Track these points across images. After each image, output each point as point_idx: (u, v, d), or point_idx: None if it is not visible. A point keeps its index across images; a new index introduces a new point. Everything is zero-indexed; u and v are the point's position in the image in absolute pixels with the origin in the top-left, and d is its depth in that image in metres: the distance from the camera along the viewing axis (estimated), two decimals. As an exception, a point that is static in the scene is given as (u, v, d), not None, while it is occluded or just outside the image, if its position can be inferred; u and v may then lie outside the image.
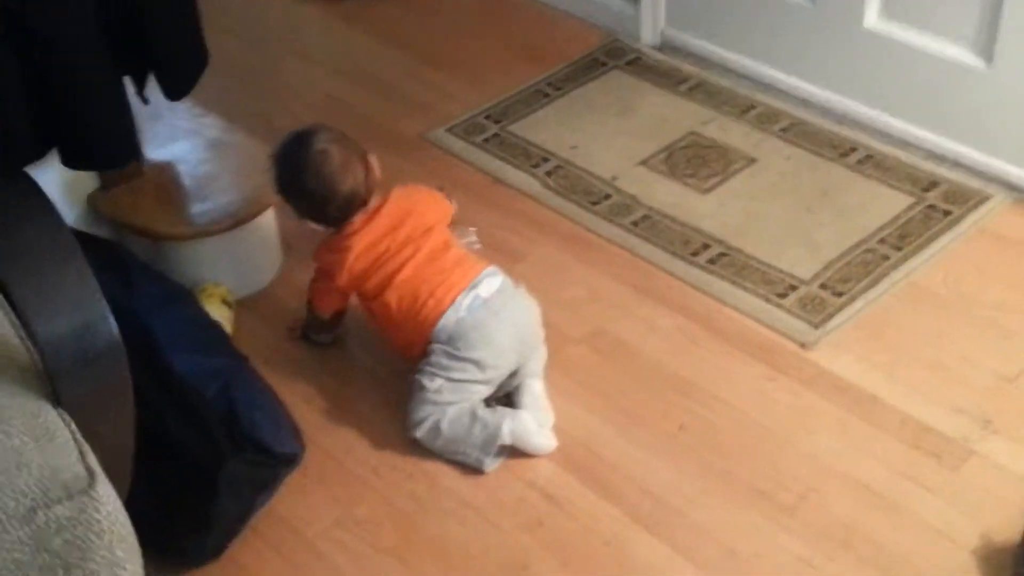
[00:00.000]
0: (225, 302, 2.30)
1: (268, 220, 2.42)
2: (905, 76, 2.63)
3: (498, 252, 2.48)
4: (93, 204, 2.32)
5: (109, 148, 2.15)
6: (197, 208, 2.32)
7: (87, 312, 1.45)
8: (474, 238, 2.45)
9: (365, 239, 2.09)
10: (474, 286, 2.06)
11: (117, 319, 1.96)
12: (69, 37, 1.97)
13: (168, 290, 2.09)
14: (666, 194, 2.61)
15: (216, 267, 2.34)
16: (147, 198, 2.32)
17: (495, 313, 2.05)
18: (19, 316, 1.46)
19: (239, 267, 2.38)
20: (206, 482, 1.86)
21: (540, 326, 2.15)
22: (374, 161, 2.14)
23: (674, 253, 2.45)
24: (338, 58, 3.20)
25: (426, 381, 2.02)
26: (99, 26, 2.01)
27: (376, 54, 3.20)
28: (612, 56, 3.10)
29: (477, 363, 2.02)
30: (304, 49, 3.24)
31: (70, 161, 2.14)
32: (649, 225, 2.53)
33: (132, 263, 2.12)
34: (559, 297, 2.37)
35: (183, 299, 2.10)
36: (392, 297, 2.06)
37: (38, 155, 2.12)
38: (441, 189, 2.28)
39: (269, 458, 1.89)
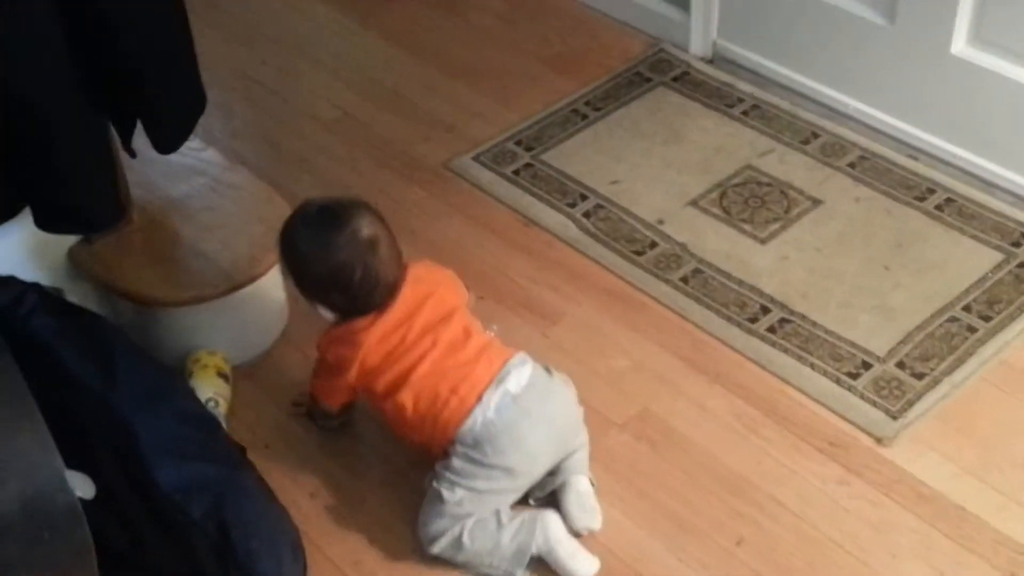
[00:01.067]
0: (221, 374, 2.03)
1: (272, 276, 2.14)
2: (995, 110, 2.32)
3: (531, 311, 2.21)
4: (74, 259, 2.05)
5: (89, 209, 1.89)
6: (193, 266, 2.04)
7: (40, 481, 1.19)
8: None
9: (379, 330, 1.80)
10: (501, 380, 1.78)
11: (95, 418, 1.73)
12: (34, 80, 1.69)
13: (155, 379, 1.81)
14: (719, 242, 2.32)
15: (212, 333, 2.07)
16: (135, 254, 2.05)
17: (527, 413, 1.77)
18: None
19: (238, 332, 2.11)
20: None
21: (579, 418, 1.88)
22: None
23: (729, 319, 2.16)
24: (354, 68, 2.89)
25: (445, 492, 1.75)
26: (73, 67, 1.73)
27: (395, 63, 2.90)
28: (657, 70, 2.79)
29: (508, 471, 1.76)
30: (317, 55, 2.94)
31: (45, 223, 1.87)
32: (700, 282, 2.24)
33: (116, 344, 1.84)
34: (599, 368, 2.10)
35: (172, 389, 1.82)
36: (408, 397, 1.78)
37: (8, 214, 1.85)
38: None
39: (269, 597, 1.64)
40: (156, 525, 1.64)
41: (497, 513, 1.76)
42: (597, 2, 3.01)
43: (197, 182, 2.20)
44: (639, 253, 2.31)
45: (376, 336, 1.79)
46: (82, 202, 1.85)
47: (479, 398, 1.76)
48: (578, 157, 2.55)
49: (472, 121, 2.69)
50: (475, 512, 1.75)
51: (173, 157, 2.15)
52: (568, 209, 2.42)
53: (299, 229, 1.80)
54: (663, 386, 2.07)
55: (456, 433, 1.76)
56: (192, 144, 2.25)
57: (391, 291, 1.79)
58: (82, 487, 1.68)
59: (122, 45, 1.76)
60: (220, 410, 1.98)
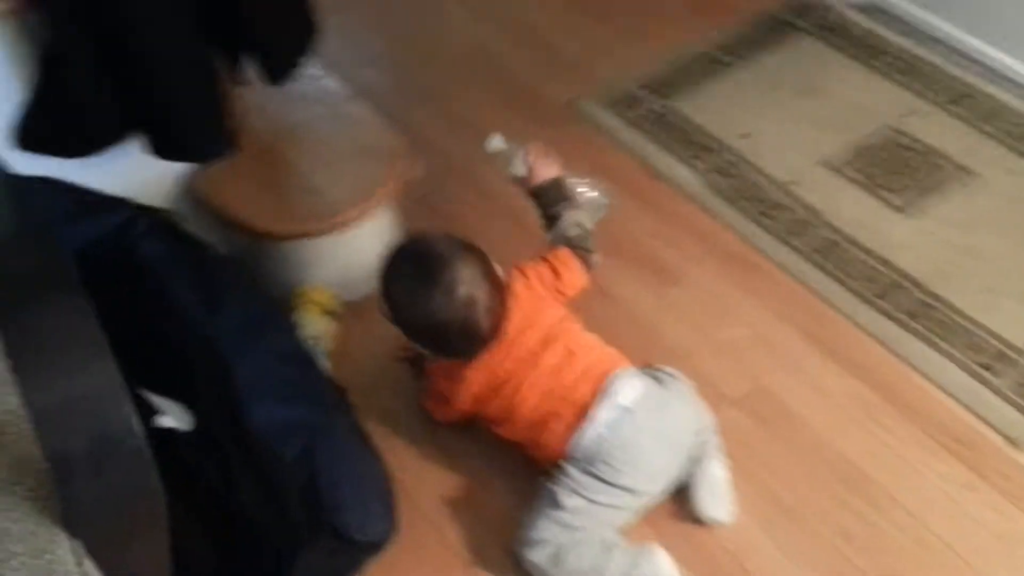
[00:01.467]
0: (327, 311, 1.99)
1: (384, 213, 2.08)
2: None
3: (649, 269, 2.11)
4: (190, 185, 2.01)
5: (195, 140, 1.84)
6: (302, 199, 1.99)
7: (109, 423, 1.14)
8: (594, 193, 1.96)
9: (483, 364, 1.72)
10: (609, 393, 1.67)
11: (197, 351, 1.71)
12: (143, 9, 1.64)
13: (258, 314, 1.78)
14: (854, 209, 2.18)
15: (320, 269, 2.03)
16: (247, 183, 2.00)
17: (643, 429, 1.66)
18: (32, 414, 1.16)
19: (348, 269, 2.05)
20: (277, 562, 1.58)
21: (699, 414, 1.77)
22: (502, 273, 1.74)
23: (856, 293, 2.04)
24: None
25: (563, 497, 1.65)
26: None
27: (538, -1, 2.78)
28: (803, 15, 2.63)
29: (629, 490, 1.66)
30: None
31: (155, 151, 1.83)
32: (829, 250, 2.11)
33: (224, 275, 1.81)
34: (716, 337, 2.00)
35: (274, 326, 1.78)
36: (514, 425, 1.73)
37: (117, 138, 1.82)
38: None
39: (351, 547, 1.60)
40: (248, 464, 1.61)
41: (602, 540, 1.65)
42: (745, -63, 2.84)
43: (314, 111, 2.14)
44: (766, 215, 2.19)
45: (480, 370, 1.72)
46: (188, 133, 1.81)
47: (584, 416, 1.66)
48: (709, 106, 2.42)
49: (602, 60, 2.58)
50: (587, 527, 1.65)
51: (290, 84, 2.09)
52: (694, 162, 2.30)
53: (394, 280, 1.72)
54: (780, 360, 1.97)
55: (566, 450, 1.67)
56: (313, 71, 2.19)
57: (490, 337, 1.70)
58: (180, 418, 1.67)
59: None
60: (322, 348, 1.94)
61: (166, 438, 1.65)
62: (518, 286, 1.75)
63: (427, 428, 1.89)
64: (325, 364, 1.91)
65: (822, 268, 2.08)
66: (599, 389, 1.67)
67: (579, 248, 1.83)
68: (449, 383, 1.76)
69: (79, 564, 1.17)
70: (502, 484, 1.80)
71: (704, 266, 2.12)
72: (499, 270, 1.73)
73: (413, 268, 1.69)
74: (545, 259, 1.81)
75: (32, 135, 1.77)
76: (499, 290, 1.69)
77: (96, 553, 1.19)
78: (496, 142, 1.93)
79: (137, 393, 1.68)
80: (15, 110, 1.77)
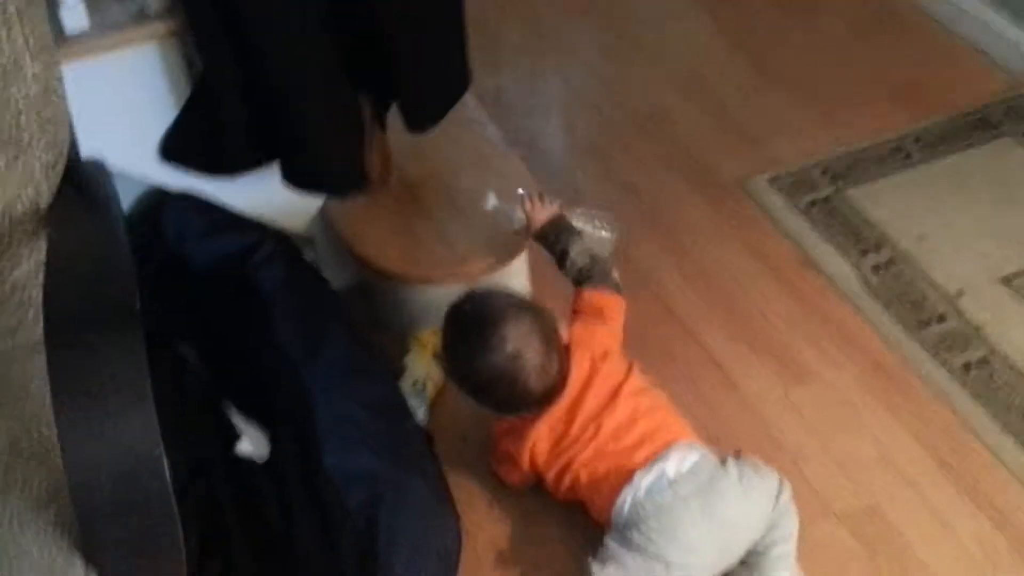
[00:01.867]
0: (438, 356, 1.97)
1: (520, 264, 2.05)
2: None
3: (781, 362, 2.00)
4: (325, 214, 2.04)
5: (330, 175, 1.87)
6: (432, 245, 1.97)
7: (138, 470, 1.15)
8: (600, 231, 1.92)
9: (545, 423, 1.70)
10: (660, 459, 1.62)
11: (286, 383, 1.72)
12: (286, 43, 1.67)
13: (356, 359, 1.78)
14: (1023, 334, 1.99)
15: (442, 313, 2.00)
16: (381, 219, 2.01)
17: (683, 499, 1.58)
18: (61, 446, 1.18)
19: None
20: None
21: (775, 520, 1.63)
22: (566, 334, 1.72)
23: (1007, 427, 1.85)
24: (679, 57, 2.72)
25: (595, 567, 1.60)
26: (332, 38, 1.70)
27: (723, 60, 2.70)
28: (1011, 116, 2.44)
29: (662, 561, 1.57)
30: (643, 36, 2.79)
31: (289, 179, 1.86)
32: (985, 375, 1.93)
33: (331, 314, 1.83)
34: (836, 447, 1.86)
35: (368, 373, 1.78)
36: (571, 484, 1.70)
37: (255, 163, 1.86)
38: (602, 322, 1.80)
39: (396, 604, 1.57)
40: (311, 506, 1.61)
41: None
42: (963, 26, 2.67)
43: (464, 158, 2.13)
44: (923, 325, 2.03)
45: (544, 429, 1.70)
46: (324, 168, 1.84)
47: (630, 478, 1.61)
48: (887, 200, 2.27)
49: (784, 138, 2.46)
50: None
51: (451, 127, 2.09)
52: (857, 257, 2.16)
53: (452, 332, 1.73)
54: (903, 484, 1.81)
55: (611, 515, 1.63)
56: (476, 115, 2.19)
57: (545, 400, 1.69)
58: (258, 445, 1.69)
59: (386, 17, 1.71)
60: (427, 393, 1.93)
61: (240, 462, 1.66)
62: (577, 347, 1.72)
63: (512, 494, 1.83)
64: (424, 409, 1.90)
65: (973, 392, 1.91)
66: (654, 452, 1.62)
67: (597, 276, 1.80)
68: (514, 441, 1.73)
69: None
70: (571, 550, 1.73)
71: (842, 369, 1.98)
72: (562, 333, 1.70)
73: (466, 325, 1.70)
74: (577, 312, 1.78)
75: (176, 149, 1.84)
76: (556, 350, 1.67)
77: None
78: (492, 200, 1.93)
79: (222, 411, 1.71)
80: (168, 125, 1.85)
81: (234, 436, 1.68)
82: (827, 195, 2.29)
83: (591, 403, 1.68)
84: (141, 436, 1.14)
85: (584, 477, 1.68)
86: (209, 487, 1.64)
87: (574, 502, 1.75)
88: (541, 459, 1.71)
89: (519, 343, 1.64)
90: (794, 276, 2.15)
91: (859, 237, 2.20)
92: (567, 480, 1.70)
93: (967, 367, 1.95)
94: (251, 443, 1.67)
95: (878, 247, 2.17)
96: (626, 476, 1.63)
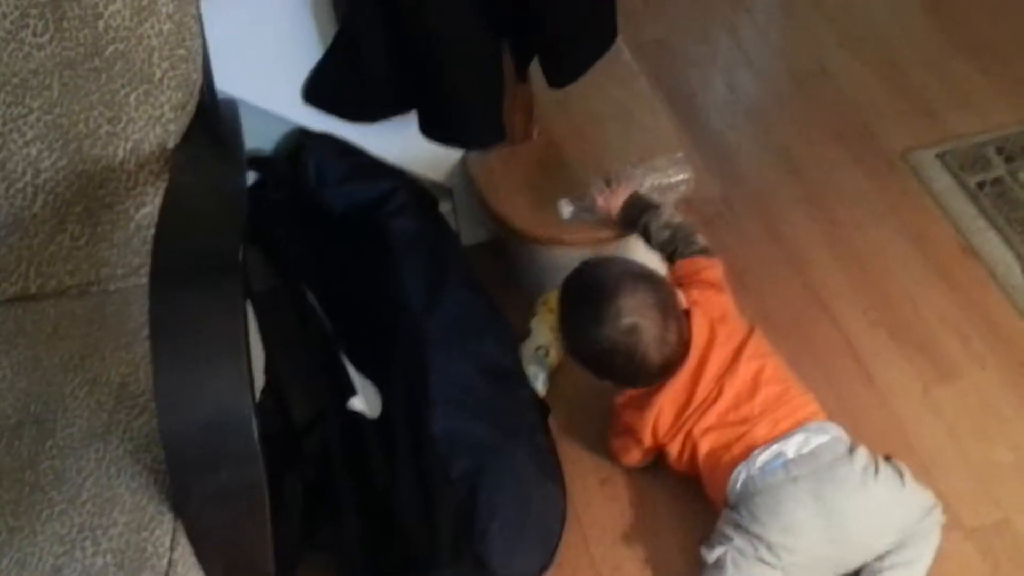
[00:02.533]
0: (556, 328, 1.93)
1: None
2: None
3: (925, 357, 1.89)
4: (465, 165, 2.02)
5: (468, 127, 1.84)
6: (577, 203, 1.92)
7: (227, 421, 1.16)
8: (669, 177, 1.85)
9: (671, 389, 1.64)
10: (782, 439, 1.55)
11: (403, 340, 1.71)
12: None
13: (475, 318, 1.76)
14: None
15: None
16: (519, 175, 1.97)
17: (794, 480, 1.52)
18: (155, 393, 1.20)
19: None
20: (413, 569, 1.57)
21: (901, 525, 1.55)
22: (684, 300, 1.65)
23: None
24: (857, 17, 2.57)
25: (704, 551, 1.56)
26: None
27: (907, 21, 2.54)
28: None
29: (767, 544, 1.51)
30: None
31: (426, 129, 1.84)
32: None
33: (455, 270, 1.81)
34: (975, 454, 1.76)
35: (486, 334, 1.75)
36: (692, 458, 1.64)
37: (394, 111, 1.85)
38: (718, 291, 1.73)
39: (488, 577, 1.56)
40: (414, 468, 1.60)
41: None
42: None
43: (612, 113, 2.06)
44: (1087, 329, 1.88)
45: (669, 396, 1.64)
46: (462, 119, 1.81)
47: (748, 454, 1.56)
48: (1065, 188, 2.11)
49: (960, 110, 2.31)
50: None
51: (601, 79, 2.02)
52: (1022, 248, 2.01)
53: (567, 304, 1.68)
54: (1043, 499, 1.69)
55: (725, 491, 1.57)
56: (629, 69, 2.12)
57: (664, 372, 1.63)
58: (371, 403, 1.69)
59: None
60: (549, 360, 1.89)
61: (353, 416, 1.67)
62: (696, 311, 1.66)
63: (624, 472, 1.80)
64: (544, 376, 1.87)
65: None
66: (780, 431, 1.56)
67: (681, 245, 1.75)
68: (637, 413, 1.68)
69: (172, 548, 1.20)
70: (678, 537, 1.69)
71: (989, 369, 1.86)
72: (681, 299, 1.64)
73: (581, 296, 1.65)
74: (680, 284, 1.70)
75: (318, 92, 1.84)
76: (675, 319, 1.61)
77: (194, 538, 1.23)
78: (566, 208, 1.86)
79: (340, 362, 1.72)
80: (312, 65, 1.85)
81: (350, 388, 1.68)
82: (999, 176, 2.14)
83: (713, 366, 1.62)
84: (231, 392, 1.15)
85: (704, 448, 1.62)
86: (323, 438, 1.66)
87: (692, 481, 1.69)
88: (663, 430, 1.66)
89: (635, 314, 1.59)
90: (951, 263, 2.02)
91: (1030, 224, 2.05)
92: (687, 451, 1.64)
93: None
94: (364, 400, 1.67)
95: (1049, 238, 2.02)
96: (744, 452, 1.57)
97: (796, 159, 2.24)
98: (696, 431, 1.62)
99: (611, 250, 1.89)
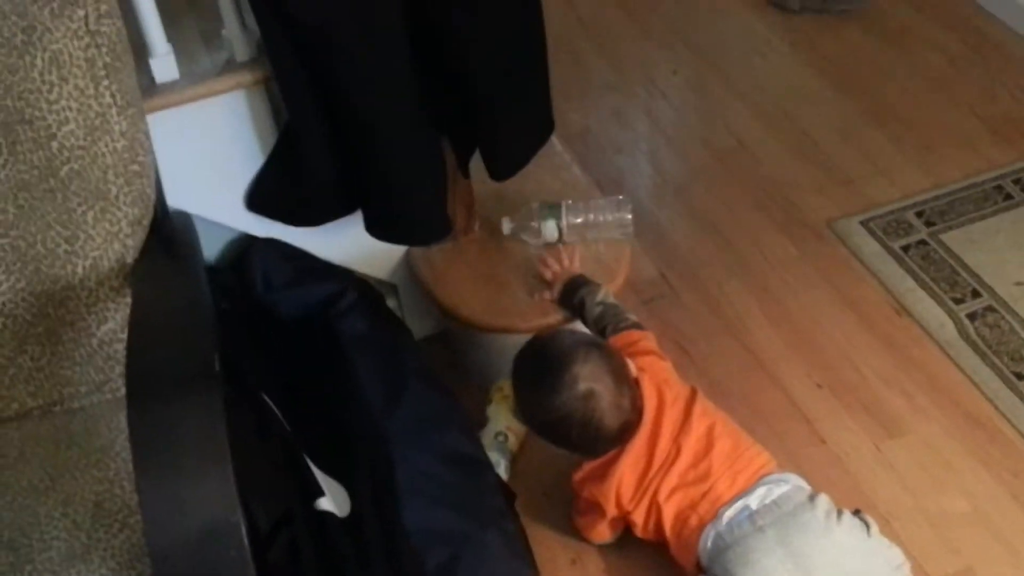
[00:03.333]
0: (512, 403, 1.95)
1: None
2: None
3: (873, 416, 1.95)
4: (410, 261, 2.04)
5: (413, 224, 1.87)
6: (515, 293, 1.95)
7: (216, 531, 1.15)
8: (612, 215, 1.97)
9: (629, 457, 1.67)
10: (745, 495, 1.59)
11: (366, 437, 1.72)
12: (371, 92, 1.68)
13: (436, 410, 1.77)
14: None
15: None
16: (464, 267, 2.00)
17: (760, 529, 1.56)
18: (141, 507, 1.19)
19: (550, 367, 2.02)
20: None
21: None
22: (634, 369, 1.69)
23: (1111, 487, 1.78)
24: (766, 93, 2.68)
25: None
26: (417, 86, 1.70)
27: (813, 96, 2.65)
28: (1119, 154, 2.35)
29: None
30: (732, 72, 2.75)
31: (372, 229, 1.87)
32: (1088, 431, 1.86)
33: (411, 365, 1.82)
34: (931, 505, 1.81)
35: (449, 425, 1.77)
36: (659, 522, 1.66)
37: (339, 213, 1.87)
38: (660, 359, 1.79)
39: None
40: (390, 564, 1.59)
41: None
42: (1069, 59, 2.59)
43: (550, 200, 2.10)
44: (1021, 377, 1.95)
45: (629, 462, 1.67)
46: (407, 217, 1.84)
47: (716, 515, 1.58)
48: (984, 244, 2.20)
49: (876, 178, 2.41)
50: None
51: (536, 171, 2.07)
52: (952, 305, 2.09)
53: (520, 377, 1.72)
54: (1000, 546, 1.74)
55: (696, 555, 1.60)
56: (560, 160, 2.17)
57: (621, 436, 1.66)
58: (339, 502, 1.68)
59: (470, 67, 1.71)
60: (508, 446, 1.91)
61: (322, 516, 1.66)
62: (643, 377, 1.70)
63: (595, 551, 1.81)
64: (505, 463, 1.88)
65: (1074, 449, 1.84)
66: (740, 489, 1.59)
67: (612, 322, 1.81)
68: (598, 485, 1.69)
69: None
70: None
71: (936, 422, 1.92)
72: (631, 367, 1.68)
73: (536, 367, 1.68)
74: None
75: (261, 199, 1.86)
76: (627, 385, 1.65)
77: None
78: (507, 225, 1.99)
79: (305, 465, 1.71)
80: (254, 173, 1.87)
81: (317, 490, 1.67)
82: (922, 239, 2.23)
83: (668, 428, 1.66)
84: (219, 501, 1.15)
85: (670, 511, 1.64)
86: (292, 539, 1.64)
87: (662, 553, 1.71)
88: (627, 497, 1.68)
89: (590, 381, 1.62)
90: (886, 324, 2.10)
91: (955, 283, 2.13)
92: (653, 517, 1.66)
93: (1069, 422, 1.87)
94: (332, 500, 1.67)
95: (975, 294, 2.11)
96: (710, 511, 1.60)
97: (726, 232, 2.31)
98: (661, 495, 1.64)
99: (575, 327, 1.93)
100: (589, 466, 1.72)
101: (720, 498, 1.60)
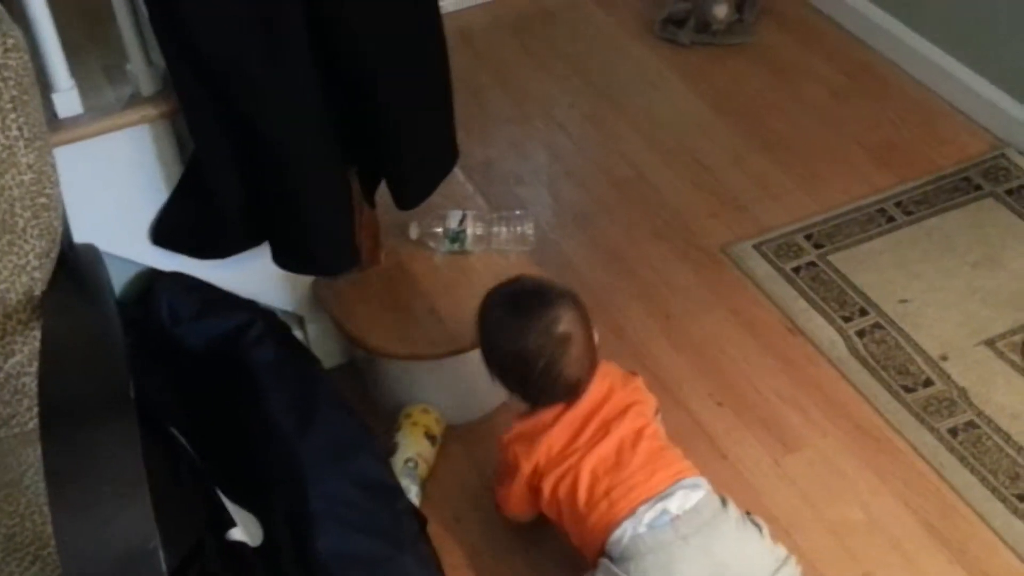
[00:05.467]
0: (429, 435, 1.98)
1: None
2: None
3: (769, 432, 2.01)
4: (316, 293, 2.06)
5: (321, 255, 1.88)
6: (421, 322, 1.99)
7: (134, 549, 1.16)
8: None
9: (562, 427, 1.71)
10: (663, 497, 1.63)
11: (278, 466, 1.73)
12: (277, 124, 1.70)
13: (348, 437, 1.79)
14: (1009, 396, 2.02)
15: (430, 391, 2.03)
16: (371, 297, 2.03)
17: (684, 538, 1.60)
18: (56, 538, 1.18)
19: (458, 393, 2.06)
20: None
21: (767, 570, 1.65)
22: (597, 338, 1.73)
23: (995, 491, 1.87)
24: (660, 125, 2.75)
25: None
26: (323, 118, 1.72)
27: (705, 127, 2.73)
28: (991, 177, 2.48)
29: None
30: (627, 105, 2.82)
31: (279, 259, 1.88)
32: (972, 439, 1.95)
33: (322, 393, 1.84)
34: (828, 515, 1.88)
35: (361, 451, 1.79)
36: (567, 491, 1.68)
37: (245, 245, 1.88)
38: (634, 375, 1.83)
39: None
40: (307, 591, 1.61)
41: None
42: (944, 88, 2.72)
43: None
44: (908, 390, 2.05)
45: (558, 431, 1.70)
46: (315, 247, 1.85)
47: (633, 510, 1.62)
48: (870, 265, 2.30)
49: (766, 203, 2.50)
50: None
51: (439, 201, 2.11)
52: (842, 323, 2.18)
53: (499, 303, 1.74)
54: (895, 554, 1.82)
55: (604, 542, 1.63)
56: (464, 191, 2.21)
57: (573, 390, 1.70)
58: (251, 532, 1.69)
59: (375, 98, 1.74)
60: (418, 472, 1.93)
61: (234, 546, 1.66)
62: (611, 364, 1.76)
63: (505, 566, 1.84)
64: (416, 488, 1.90)
65: (960, 457, 1.93)
66: (657, 488, 1.63)
67: None
68: (524, 446, 1.72)
69: None
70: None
71: (829, 436, 2.00)
72: (596, 335, 1.74)
73: (519, 297, 1.72)
74: None
75: (166, 232, 1.86)
76: (592, 346, 1.70)
77: None
78: (415, 229, 2.08)
79: (216, 497, 1.71)
80: (159, 207, 1.87)
81: (226, 518, 1.68)
82: (811, 260, 2.32)
83: (606, 410, 1.70)
84: (137, 528, 1.15)
85: (584, 483, 1.66)
86: (203, 572, 1.64)
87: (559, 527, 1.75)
88: (546, 466, 1.69)
89: (570, 327, 1.66)
90: (780, 342, 2.18)
91: (844, 302, 2.22)
92: (564, 486, 1.67)
93: (954, 431, 1.97)
94: (244, 530, 1.67)
95: (863, 312, 2.20)
96: (625, 504, 1.63)
97: (627, 259, 2.38)
98: (580, 469, 1.66)
99: (470, 359, 1.97)
100: (519, 427, 1.75)
101: (635, 490, 1.63)
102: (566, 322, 1.67)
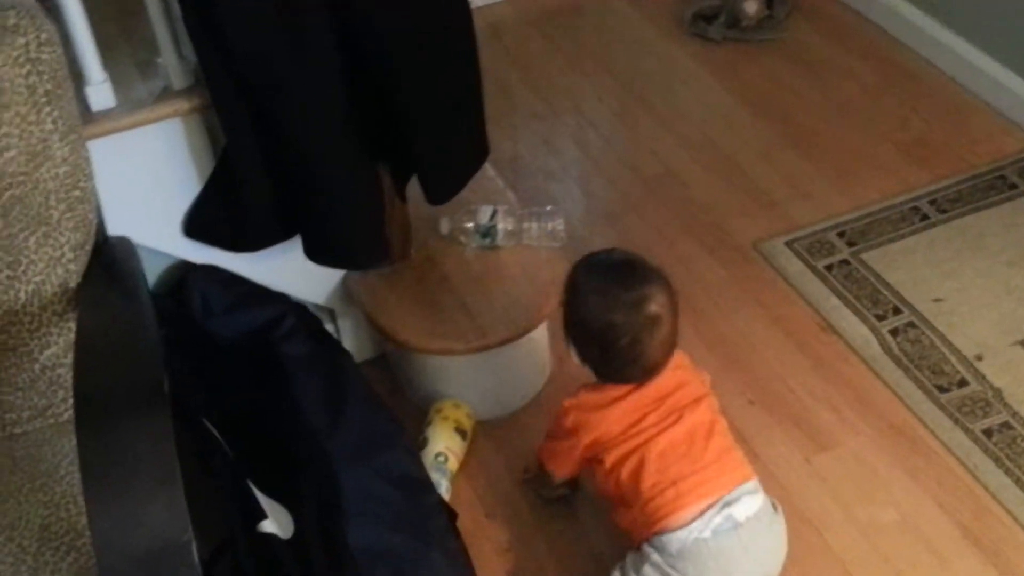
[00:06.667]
0: (459, 429, 1.98)
1: (540, 334, 2.06)
2: None
3: (801, 430, 2.00)
4: (347, 286, 2.06)
5: (352, 249, 1.88)
6: (451, 316, 1.98)
7: (167, 542, 1.16)
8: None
9: (629, 406, 1.68)
10: (729, 502, 1.61)
11: (309, 459, 1.73)
12: (308, 118, 1.70)
13: (378, 431, 1.79)
14: (1045, 398, 2.00)
15: (461, 385, 2.03)
16: (402, 291, 2.02)
17: (745, 547, 1.60)
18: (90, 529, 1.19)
19: (491, 387, 2.05)
20: None
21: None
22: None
23: (1032, 494, 1.85)
24: (691, 121, 2.74)
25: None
26: (351, 113, 1.72)
27: (736, 123, 2.72)
28: (1025, 176, 2.46)
29: None
30: (656, 101, 2.81)
31: (311, 254, 1.88)
32: (1007, 440, 1.93)
33: (353, 387, 1.84)
34: (860, 516, 1.86)
35: (391, 446, 1.78)
36: (631, 470, 1.65)
37: (276, 238, 1.88)
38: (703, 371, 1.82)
39: None
40: (336, 584, 1.61)
41: None
42: (977, 85, 2.69)
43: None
44: (943, 390, 2.03)
45: (624, 409, 1.68)
46: (346, 241, 1.85)
47: (701, 513, 1.60)
48: (903, 263, 2.28)
49: (798, 201, 2.48)
50: None
51: (470, 196, 2.10)
52: (875, 322, 2.16)
53: (593, 271, 1.70)
54: (927, 554, 1.80)
55: (661, 529, 1.62)
56: (495, 186, 2.20)
57: (650, 371, 1.67)
58: (282, 525, 1.69)
59: (404, 95, 1.74)
60: (448, 466, 1.93)
61: (265, 538, 1.66)
62: (685, 356, 1.74)
63: (535, 567, 1.84)
64: (446, 483, 1.90)
65: (994, 458, 1.91)
66: (723, 489, 1.61)
67: None
68: (587, 415, 1.70)
69: None
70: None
71: (863, 435, 1.98)
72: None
73: (618, 267, 1.69)
74: None
75: (199, 225, 1.87)
76: (676, 333, 1.67)
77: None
78: (445, 224, 2.06)
79: (247, 489, 1.71)
80: (191, 200, 1.88)
81: (258, 511, 1.68)
82: (844, 258, 2.30)
83: (678, 397, 1.68)
84: (170, 520, 1.16)
85: (649, 473, 1.63)
86: (234, 564, 1.64)
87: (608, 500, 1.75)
88: (608, 437, 1.67)
89: (660, 310, 1.63)
90: (812, 341, 2.16)
91: (876, 301, 2.21)
92: (629, 466, 1.65)
93: (988, 432, 1.95)
94: (275, 522, 1.67)
95: (896, 311, 2.18)
96: (689, 497, 1.61)
97: (657, 256, 2.29)
98: (648, 449, 1.64)
99: (501, 354, 1.97)
100: (585, 395, 1.72)
101: (704, 485, 1.61)
102: (658, 303, 1.63)
